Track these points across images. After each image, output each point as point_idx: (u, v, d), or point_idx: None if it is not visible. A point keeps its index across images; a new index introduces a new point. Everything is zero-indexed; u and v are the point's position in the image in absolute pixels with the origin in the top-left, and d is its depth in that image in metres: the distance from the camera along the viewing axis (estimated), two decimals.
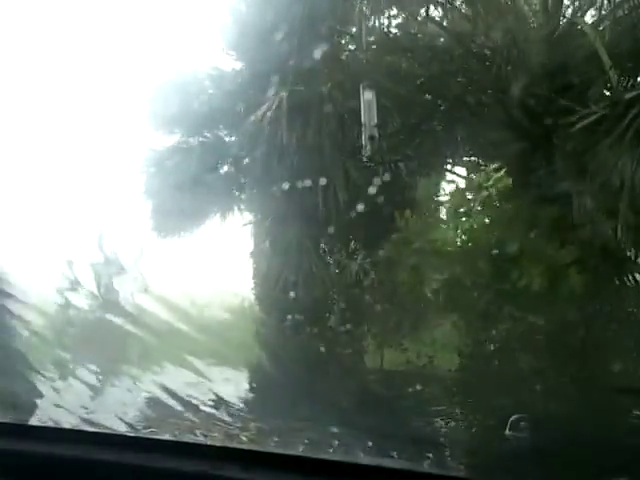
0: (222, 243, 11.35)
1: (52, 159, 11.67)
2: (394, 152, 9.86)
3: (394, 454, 1.52)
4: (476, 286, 7.62)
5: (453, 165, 10.53)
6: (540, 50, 8.92)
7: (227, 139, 12.10)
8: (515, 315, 7.74)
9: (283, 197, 9.96)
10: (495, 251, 7.66)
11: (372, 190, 9.57)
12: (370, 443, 1.69)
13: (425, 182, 9.18)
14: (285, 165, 9.89)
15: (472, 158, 10.50)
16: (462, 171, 10.36)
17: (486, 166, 9.93)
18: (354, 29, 9.71)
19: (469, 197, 8.28)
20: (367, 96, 9.86)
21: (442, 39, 10.01)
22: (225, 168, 12.02)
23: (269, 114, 9.87)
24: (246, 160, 11.62)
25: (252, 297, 10.66)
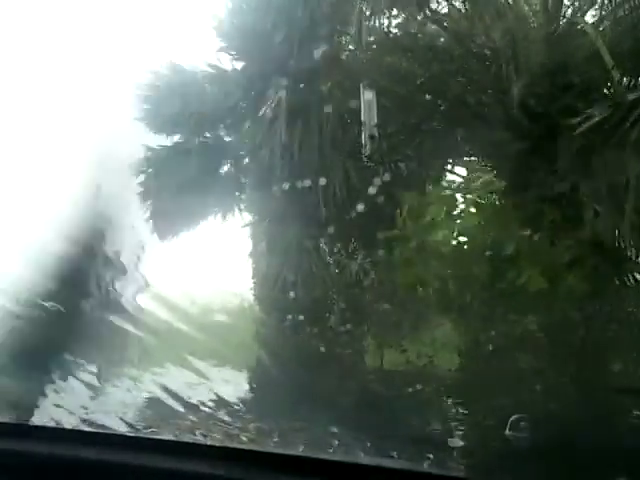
0: (222, 243, 11.35)
1: (51, 159, 11.66)
2: (394, 152, 9.86)
3: (394, 454, 1.53)
4: (473, 287, 7.62)
5: (453, 165, 10.53)
6: (540, 50, 8.92)
7: (227, 139, 12.10)
8: (514, 315, 7.75)
9: (283, 197, 9.96)
10: (491, 252, 7.66)
11: (372, 190, 9.57)
12: (369, 443, 1.70)
13: (424, 182, 9.19)
14: (285, 165, 9.89)
15: (472, 158, 10.51)
16: (462, 171, 10.37)
17: (486, 166, 9.94)
18: (354, 29, 9.70)
19: (462, 198, 8.27)
20: (367, 96, 9.86)
21: (442, 39, 10.01)
22: (225, 168, 12.03)
23: (269, 114, 9.88)
24: (246, 160, 11.63)
25: (252, 297, 10.66)
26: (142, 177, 11.94)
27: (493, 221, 8.09)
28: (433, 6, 9.65)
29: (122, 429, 1.77)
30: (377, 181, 9.58)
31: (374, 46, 10.16)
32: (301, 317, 9.38)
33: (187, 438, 1.74)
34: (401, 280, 8.22)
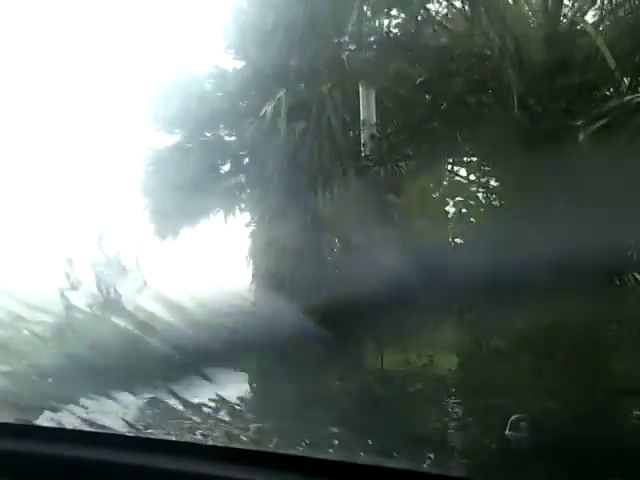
0: (222, 243, 11.36)
1: (52, 159, 11.67)
2: (394, 152, 9.87)
3: (394, 454, 1.53)
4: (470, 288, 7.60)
5: (453, 165, 10.54)
6: (540, 50, 8.93)
7: (227, 139, 12.11)
8: (512, 315, 7.74)
9: (283, 197, 9.96)
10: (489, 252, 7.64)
11: (372, 190, 9.57)
12: (370, 442, 1.70)
13: (424, 182, 9.19)
14: (285, 165, 9.89)
15: (472, 158, 10.51)
16: (462, 171, 10.38)
17: (486, 166, 9.94)
18: (354, 29, 9.70)
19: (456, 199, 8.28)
20: (366, 95, 9.87)
21: (442, 39, 10.01)
22: (225, 168, 12.04)
23: (269, 114, 9.88)
24: (246, 160, 11.63)
25: (252, 297, 10.65)
26: (142, 176, 11.96)
27: (492, 221, 8.09)
28: (433, 6, 9.66)
29: (122, 429, 1.77)
30: (377, 181, 9.58)
31: (374, 46, 10.16)
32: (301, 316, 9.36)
33: (187, 438, 1.74)
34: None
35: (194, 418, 1.95)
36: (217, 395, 2.35)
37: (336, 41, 10.40)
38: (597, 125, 7.59)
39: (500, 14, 8.82)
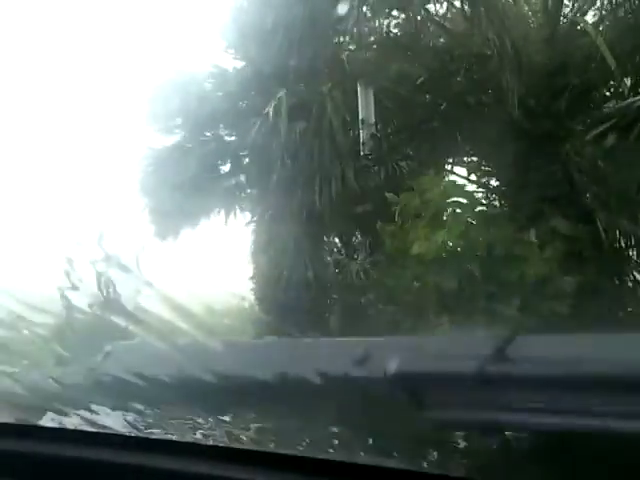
0: (222, 243, 11.36)
1: (52, 159, 11.67)
2: (394, 152, 9.88)
3: (394, 454, 1.53)
4: (469, 287, 7.61)
5: (453, 165, 10.55)
6: (540, 50, 8.93)
7: (227, 139, 12.11)
8: (511, 315, 7.74)
9: (283, 197, 9.96)
10: (488, 252, 7.65)
11: (372, 190, 9.58)
12: (370, 442, 1.70)
13: (423, 182, 9.16)
14: (285, 165, 9.90)
15: (472, 158, 10.52)
16: (462, 171, 10.38)
17: (486, 166, 9.94)
18: (354, 29, 9.71)
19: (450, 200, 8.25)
20: (364, 94, 9.87)
21: (442, 39, 10.02)
22: (225, 168, 12.04)
23: (269, 113, 9.88)
24: (246, 160, 11.64)
25: (252, 297, 10.66)
26: (142, 176, 11.96)
27: (491, 220, 8.09)
28: (433, 6, 9.67)
29: (123, 429, 1.76)
30: (377, 180, 9.60)
31: (374, 46, 10.17)
32: (301, 317, 9.39)
33: (187, 438, 1.74)
34: (400, 279, 8.22)
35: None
36: None
37: (336, 41, 10.41)
38: (600, 129, 7.60)
39: (500, 14, 8.82)
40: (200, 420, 1.77)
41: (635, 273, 8.89)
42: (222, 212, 11.98)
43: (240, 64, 11.41)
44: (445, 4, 9.88)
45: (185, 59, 11.79)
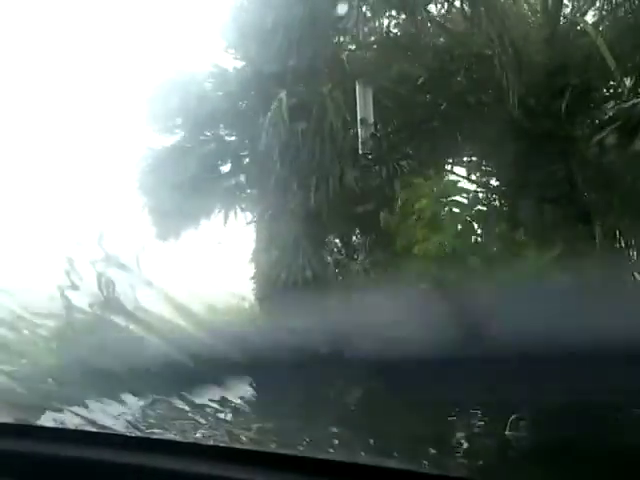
0: (222, 243, 11.35)
1: (52, 159, 11.67)
2: (394, 151, 9.87)
3: (395, 454, 1.53)
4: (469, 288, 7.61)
5: (453, 165, 10.54)
6: (540, 50, 8.93)
7: (227, 138, 12.10)
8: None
9: (283, 197, 9.96)
10: (488, 252, 7.66)
11: (371, 190, 9.57)
12: (371, 442, 1.70)
13: (422, 182, 9.17)
14: (285, 164, 9.89)
15: (472, 158, 10.52)
16: (462, 171, 10.38)
17: (486, 166, 9.94)
18: (354, 29, 9.70)
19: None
20: (363, 94, 9.86)
21: (442, 39, 10.01)
22: (225, 168, 12.03)
23: (269, 113, 9.88)
24: (246, 160, 11.63)
25: (252, 297, 10.66)
26: (142, 176, 11.96)
27: (491, 221, 8.10)
28: (433, 6, 9.67)
29: (123, 429, 1.77)
30: (377, 181, 9.59)
31: (374, 46, 10.17)
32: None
33: (187, 438, 1.74)
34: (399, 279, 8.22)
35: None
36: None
37: (336, 41, 10.40)
38: (604, 133, 7.61)
39: (500, 14, 8.82)
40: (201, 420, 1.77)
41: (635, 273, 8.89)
42: (222, 212, 11.98)
43: (240, 64, 11.41)
44: (445, 4, 9.88)
45: (185, 59, 11.79)
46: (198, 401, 2.09)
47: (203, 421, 1.95)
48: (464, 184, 9.98)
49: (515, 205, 8.95)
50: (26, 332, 3.14)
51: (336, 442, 1.72)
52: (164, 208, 11.55)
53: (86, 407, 1.85)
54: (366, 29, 9.89)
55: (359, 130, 9.88)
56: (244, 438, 1.76)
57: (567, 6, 9.52)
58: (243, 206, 11.95)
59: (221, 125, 11.95)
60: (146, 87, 11.78)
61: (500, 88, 8.57)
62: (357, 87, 9.87)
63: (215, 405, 2.09)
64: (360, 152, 9.84)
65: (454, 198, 7.83)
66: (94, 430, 1.72)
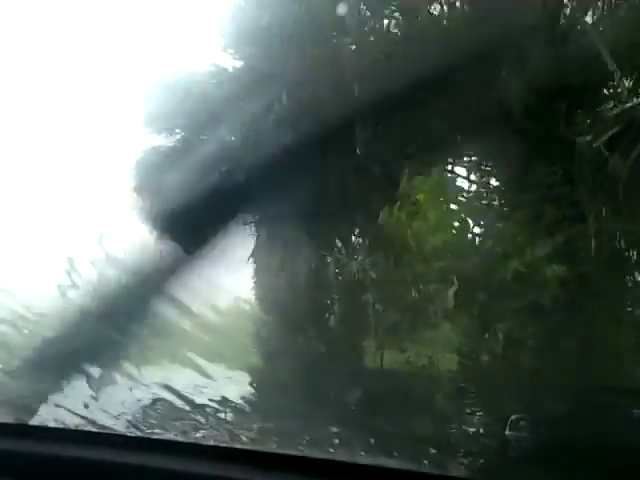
0: (223, 242, 11.33)
1: (52, 159, 11.67)
2: (394, 151, 9.87)
3: (395, 454, 1.53)
4: (469, 288, 7.63)
5: (453, 165, 10.54)
6: (540, 50, 8.92)
7: (227, 138, 12.09)
8: (512, 315, 7.75)
9: (283, 197, 9.96)
10: (488, 252, 7.68)
11: (372, 189, 9.57)
12: (372, 442, 1.70)
13: (422, 182, 9.17)
14: (285, 164, 9.89)
15: (472, 158, 10.51)
16: (462, 171, 10.37)
17: (485, 166, 9.94)
18: (354, 29, 9.69)
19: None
20: (363, 93, 9.84)
21: (442, 39, 10.00)
22: (225, 168, 12.01)
23: (269, 113, 9.88)
24: (246, 160, 11.62)
25: (252, 297, 10.66)
26: (142, 177, 11.94)
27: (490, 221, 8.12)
28: (433, 6, 9.66)
29: (123, 429, 1.77)
30: (377, 180, 9.60)
31: (374, 46, 10.16)
32: (301, 317, 9.39)
33: (187, 438, 1.74)
34: (400, 279, 8.25)
35: None
36: None
37: (336, 41, 10.40)
38: (608, 134, 7.61)
39: (500, 14, 8.81)
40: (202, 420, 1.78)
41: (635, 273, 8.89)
42: (222, 212, 11.95)
43: (239, 64, 11.40)
44: (445, 4, 9.86)
45: (184, 59, 11.77)
46: None
47: None
48: (464, 184, 10.01)
49: (515, 205, 8.95)
50: (26, 331, 3.14)
51: None
52: (165, 208, 11.54)
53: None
54: (366, 29, 9.89)
55: (360, 130, 9.87)
56: None
57: (567, 6, 9.52)
58: (243, 206, 11.94)
59: (220, 125, 11.94)
60: (145, 87, 11.77)
61: (500, 88, 8.56)
62: (356, 87, 9.86)
63: None
64: (361, 152, 9.83)
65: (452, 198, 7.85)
66: (94, 430, 1.73)
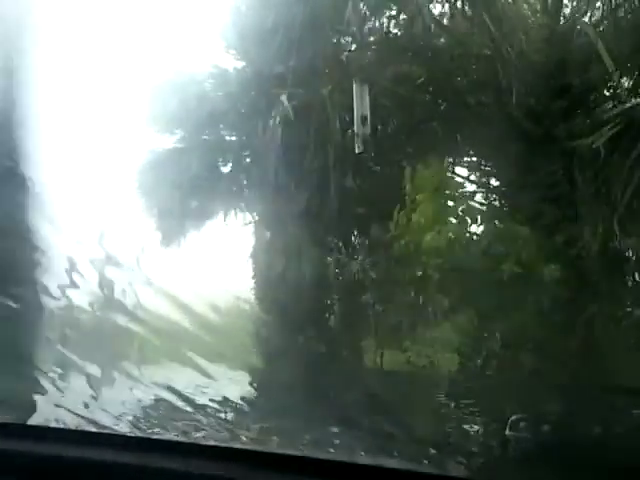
0: (222, 243, 11.34)
1: (52, 158, 11.65)
2: (394, 152, 9.87)
3: (395, 454, 1.53)
4: (469, 288, 7.63)
5: (453, 165, 10.53)
6: (540, 50, 8.93)
7: (228, 139, 12.08)
8: (512, 315, 7.75)
9: (283, 196, 9.96)
10: (488, 252, 7.68)
11: (372, 189, 9.57)
12: (372, 442, 1.70)
13: (422, 182, 9.17)
14: (285, 164, 9.89)
15: (472, 158, 10.51)
16: (462, 171, 10.37)
17: (485, 166, 9.94)
18: (354, 29, 9.68)
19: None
20: (362, 94, 9.84)
21: (442, 39, 10.00)
22: (226, 168, 12.01)
23: (270, 114, 9.87)
24: (247, 160, 11.62)
25: (252, 297, 10.65)
26: (142, 176, 11.93)
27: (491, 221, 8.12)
28: (433, 7, 9.65)
29: (123, 429, 1.77)
30: (377, 180, 9.59)
31: (374, 46, 10.16)
32: (301, 317, 9.38)
33: (187, 438, 1.74)
34: (400, 279, 8.26)
35: None
36: None
37: (336, 41, 10.39)
38: (608, 134, 7.61)
39: (500, 14, 8.82)
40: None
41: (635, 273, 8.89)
42: (223, 212, 11.95)
43: (240, 64, 11.39)
44: (445, 4, 9.86)
45: (185, 59, 11.75)
46: None
47: None
48: (464, 184, 10.01)
49: (515, 205, 8.96)
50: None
51: None
52: (165, 208, 11.53)
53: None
54: (366, 29, 9.88)
55: (359, 130, 9.86)
56: None
57: (567, 6, 9.52)
58: (243, 206, 11.93)
59: (221, 125, 11.93)
60: (146, 88, 11.75)
61: (500, 88, 8.57)
62: (356, 87, 9.85)
63: None
64: (361, 152, 9.82)
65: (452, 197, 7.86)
66: (95, 430, 1.73)
